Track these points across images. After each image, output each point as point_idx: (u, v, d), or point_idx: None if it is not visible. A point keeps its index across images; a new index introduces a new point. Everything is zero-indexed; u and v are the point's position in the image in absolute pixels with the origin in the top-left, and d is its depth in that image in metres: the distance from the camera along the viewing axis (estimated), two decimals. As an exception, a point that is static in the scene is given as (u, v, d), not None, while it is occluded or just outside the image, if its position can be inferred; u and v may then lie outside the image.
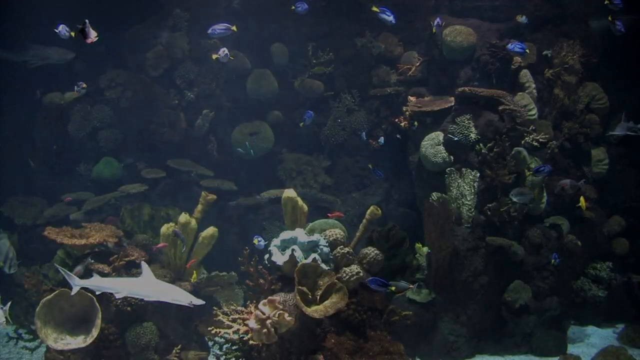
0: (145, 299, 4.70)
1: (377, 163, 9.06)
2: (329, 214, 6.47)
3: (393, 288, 5.03)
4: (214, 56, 7.03)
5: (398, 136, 8.44)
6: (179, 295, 4.54)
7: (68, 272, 4.80)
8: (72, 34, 5.76)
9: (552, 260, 6.92)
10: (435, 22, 7.74)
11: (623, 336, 7.37)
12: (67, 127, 8.89)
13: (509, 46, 7.19)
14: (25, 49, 8.54)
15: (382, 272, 5.63)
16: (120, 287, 4.59)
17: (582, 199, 7.05)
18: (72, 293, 4.71)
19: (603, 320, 7.92)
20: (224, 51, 7.04)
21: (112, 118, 8.92)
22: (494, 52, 7.72)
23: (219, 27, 6.76)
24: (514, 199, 6.72)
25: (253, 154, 8.81)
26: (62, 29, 5.86)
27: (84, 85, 7.29)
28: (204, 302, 4.61)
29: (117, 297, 4.63)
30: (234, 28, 6.86)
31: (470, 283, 6.71)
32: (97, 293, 4.75)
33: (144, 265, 4.64)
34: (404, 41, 9.33)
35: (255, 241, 5.83)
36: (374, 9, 7.29)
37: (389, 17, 7.25)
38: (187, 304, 4.55)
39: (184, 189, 8.65)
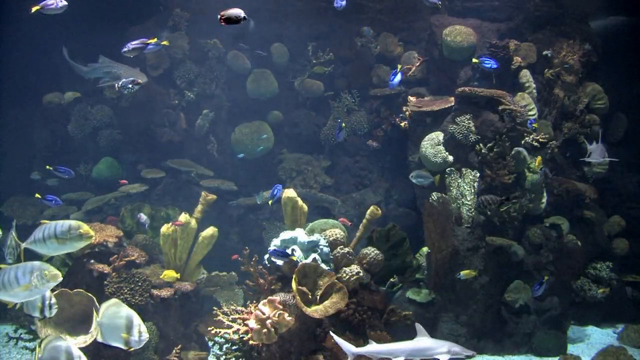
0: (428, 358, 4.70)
1: (377, 163, 9.08)
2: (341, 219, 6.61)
3: (294, 258, 5.09)
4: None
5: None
6: (459, 350, 4.64)
7: (345, 342, 4.71)
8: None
9: (546, 277, 6.81)
10: None
11: (623, 336, 7.37)
12: (67, 127, 8.89)
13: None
14: (95, 63, 7.86)
15: (382, 271, 5.64)
16: (400, 351, 4.63)
17: (539, 158, 7.08)
18: None
19: (603, 320, 7.92)
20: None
21: (112, 118, 8.91)
22: (494, 52, 7.72)
23: (133, 43, 6.46)
24: (414, 181, 6.80)
25: (257, 152, 8.81)
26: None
27: (140, 81, 6.55)
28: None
29: None
30: (152, 41, 6.38)
31: (470, 283, 6.71)
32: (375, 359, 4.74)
33: (419, 326, 4.72)
34: (404, 41, 9.35)
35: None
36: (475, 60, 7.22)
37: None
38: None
39: (184, 189, 8.65)
